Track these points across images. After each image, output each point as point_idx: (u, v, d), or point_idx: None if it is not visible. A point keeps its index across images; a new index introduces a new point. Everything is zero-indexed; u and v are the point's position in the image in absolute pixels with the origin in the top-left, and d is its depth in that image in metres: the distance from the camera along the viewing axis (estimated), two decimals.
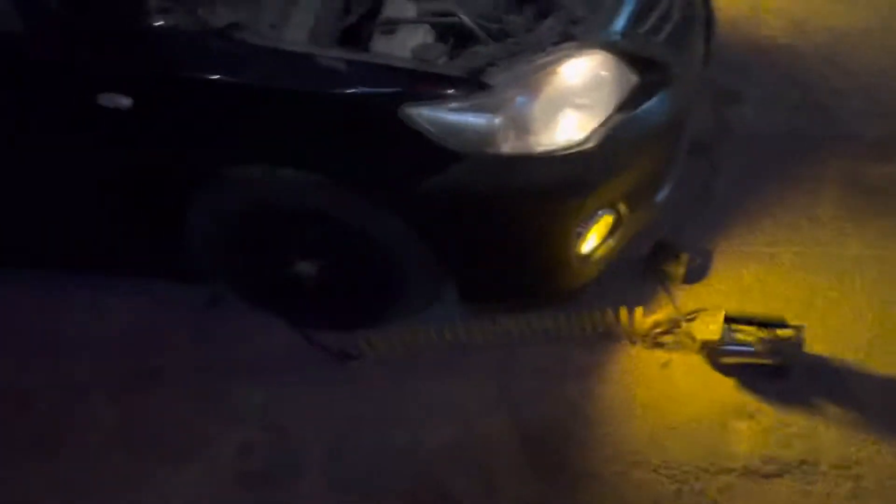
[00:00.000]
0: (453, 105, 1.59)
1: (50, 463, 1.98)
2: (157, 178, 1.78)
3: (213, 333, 2.16)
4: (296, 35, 1.64)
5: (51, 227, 2.01)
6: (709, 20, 2.12)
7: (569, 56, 1.65)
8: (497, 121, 1.61)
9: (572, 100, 1.69)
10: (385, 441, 1.94)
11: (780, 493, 1.77)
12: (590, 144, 1.68)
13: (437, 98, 1.58)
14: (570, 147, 1.68)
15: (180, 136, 1.70)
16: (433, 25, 1.70)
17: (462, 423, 1.95)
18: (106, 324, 2.20)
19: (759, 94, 2.50)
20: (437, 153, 1.62)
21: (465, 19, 1.66)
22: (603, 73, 1.71)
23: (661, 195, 1.97)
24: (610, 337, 2.03)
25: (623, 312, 2.01)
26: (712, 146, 2.37)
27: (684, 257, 2.11)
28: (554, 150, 1.67)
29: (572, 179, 1.72)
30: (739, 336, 1.89)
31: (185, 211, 1.83)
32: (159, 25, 1.59)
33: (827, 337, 1.96)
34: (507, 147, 1.63)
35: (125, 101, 1.63)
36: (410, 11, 1.70)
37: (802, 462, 1.80)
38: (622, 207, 1.85)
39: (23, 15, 1.58)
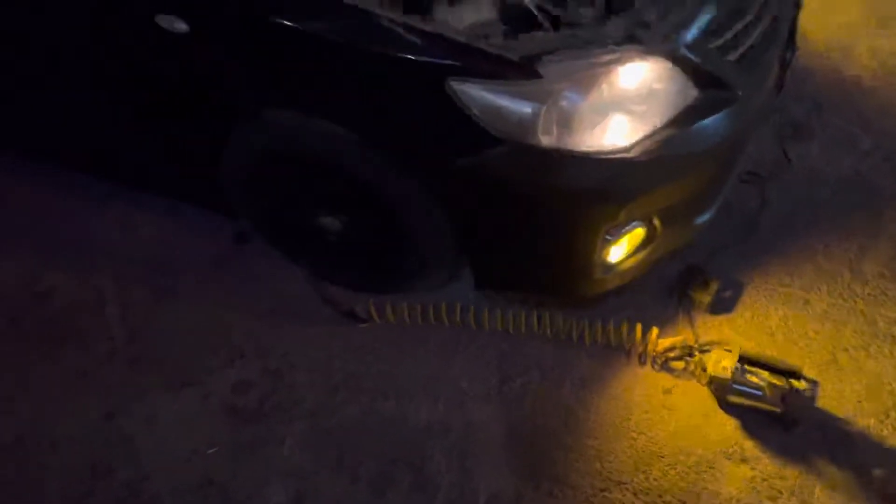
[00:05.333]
0: (500, 87, 1.55)
1: (52, 358, 2.04)
2: (201, 106, 1.79)
3: (232, 267, 2.19)
4: None
5: (97, 132, 2.05)
6: (789, 47, 2.02)
7: (629, 59, 1.59)
8: (542, 111, 1.56)
9: (624, 104, 1.64)
10: (374, 406, 1.94)
11: None
12: (634, 153, 1.63)
13: (485, 77, 1.55)
14: (613, 152, 1.62)
15: (227, 69, 1.70)
16: (497, 3, 1.65)
17: (453, 404, 1.94)
18: (132, 237, 2.25)
19: (828, 134, 2.39)
20: (476, 133, 1.59)
21: (529, 2, 1.61)
22: (661, 82, 1.64)
23: (703, 219, 1.90)
24: (619, 351, 1.98)
25: (638, 329, 1.96)
26: (767, 178, 2.28)
27: (713, 286, 2.04)
28: (595, 152, 1.62)
29: (609, 185, 1.67)
30: (751, 378, 1.83)
31: (222, 142, 1.84)
32: None
33: (842, 397, 1.88)
34: (548, 140, 1.59)
35: (182, 26, 1.63)
36: None
37: None
38: (657, 223, 1.79)
39: None
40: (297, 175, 1.87)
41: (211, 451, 1.89)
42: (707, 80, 1.69)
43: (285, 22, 1.58)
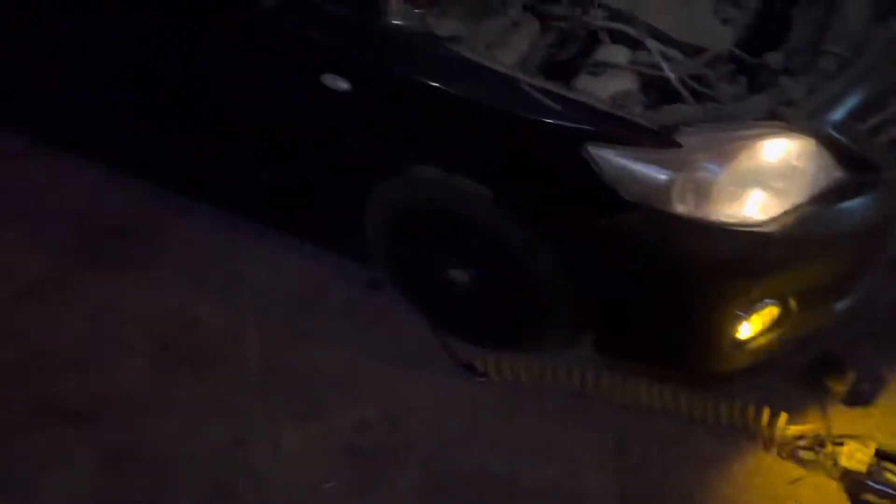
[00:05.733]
0: (638, 154, 1.59)
1: (194, 382, 2.20)
2: (351, 159, 1.93)
3: (364, 312, 2.29)
4: (507, 57, 1.72)
5: (253, 180, 2.25)
6: None
7: (771, 134, 1.60)
8: (679, 179, 1.59)
9: (764, 179, 1.63)
10: (485, 463, 1.96)
11: None
12: (771, 228, 1.61)
13: (623, 144, 1.59)
14: (750, 225, 1.61)
15: (380, 125, 1.83)
16: (640, 75, 1.71)
17: (566, 470, 1.92)
18: (275, 276, 2.41)
19: None
20: (610, 197, 1.63)
21: (672, 76, 1.66)
22: (804, 160, 1.63)
23: (843, 304, 1.83)
24: (744, 434, 1.91)
25: (766, 413, 1.88)
26: None
27: (851, 376, 1.94)
28: (731, 224, 1.62)
29: (744, 259, 1.65)
30: (889, 476, 1.71)
31: (366, 195, 1.97)
32: (393, 23, 1.74)
33: None
34: (683, 208, 1.61)
35: (344, 85, 1.79)
36: (621, 57, 1.73)
37: None
38: (792, 303, 1.75)
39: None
40: (433, 228, 1.96)
41: (327, 486, 1.96)
42: (853, 161, 1.66)
43: (437, 84, 1.71)
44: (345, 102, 1.81)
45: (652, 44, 1.72)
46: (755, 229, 1.61)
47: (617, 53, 1.74)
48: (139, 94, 2.25)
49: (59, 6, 2.20)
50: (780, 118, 1.61)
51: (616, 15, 1.78)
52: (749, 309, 1.73)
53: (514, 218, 1.77)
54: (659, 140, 1.58)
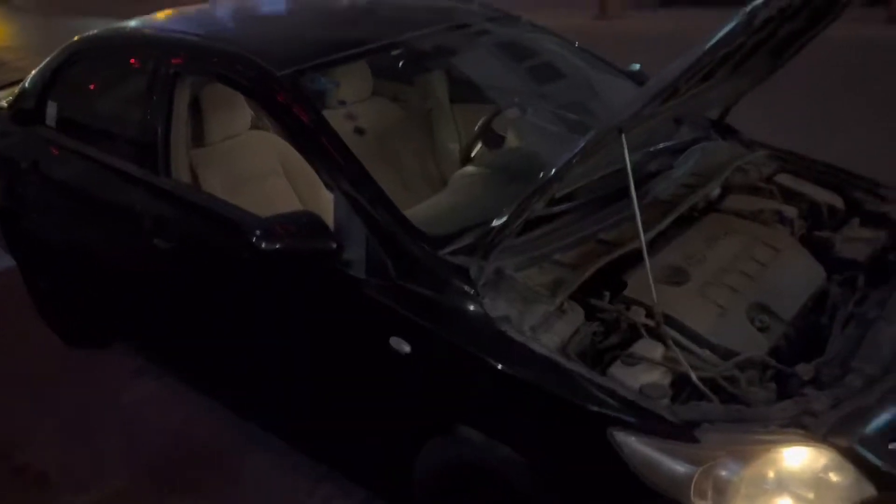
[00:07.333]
0: (659, 444, 1.68)
1: None
2: (407, 416, 2.11)
3: None
4: (550, 340, 1.89)
5: (319, 425, 2.46)
6: None
7: (790, 442, 1.65)
8: (697, 474, 1.65)
9: (791, 486, 1.66)
10: None
11: None
12: None
13: (645, 433, 1.69)
14: None
15: (435, 386, 2.02)
16: (671, 370, 1.84)
17: None
18: None
19: None
20: (635, 484, 1.69)
21: (693, 374, 1.78)
22: (831, 472, 1.66)
23: None
24: None
25: None
26: None
27: None
28: None
29: None
30: None
31: (417, 449, 2.10)
32: (455, 301, 1.99)
33: None
34: (702, 503, 1.65)
35: (406, 348, 2.03)
36: (656, 352, 1.88)
37: None
38: None
39: (366, 269, 2.08)
40: (475, 486, 2.04)
41: None
42: (885, 480, 1.67)
43: (486, 358, 1.89)
44: (404, 362, 2.02)
45: (682, 342, 1.88)
46: None
47: (652, 348, 1.89)
48: (237, 343, 2.59)
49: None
50: (801, 427, 1.68)
51: (654, 314, 1.96)
52: None
53: (545, 488, 1.84)
54: (679, 433, 1.67)
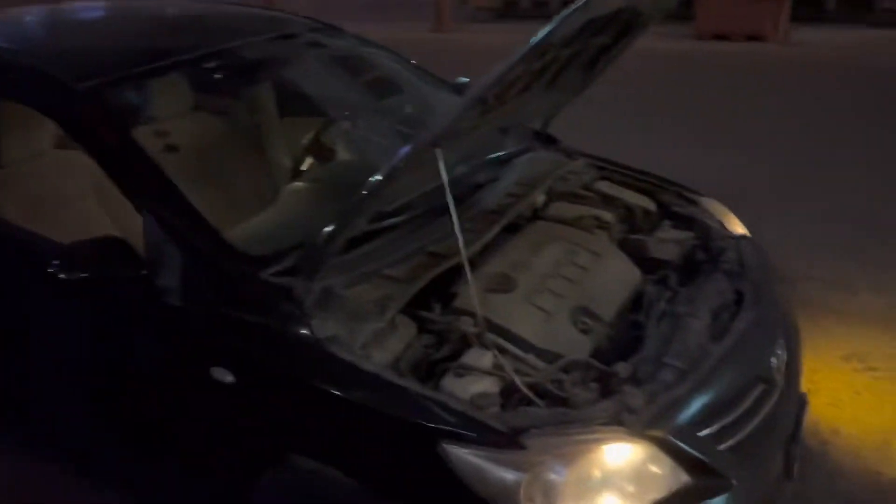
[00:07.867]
0: (487, 454, 1.69)
1: None
2: (237, 452, 1.99)
3: None
4: (381, 357, 1.87)
5: (145, 466, 2.28)
6: (794, 437, 2.09)
7: (610, 439, 1.72)
8: (525, 480, 1.67)
9: (614, 482, 1.72)
10: None
11: None
12: None
13: (474, 444, 1.70)
14: None
15: (261, 418, 1.92)
16: (501, 379, 1.87)
17: None
18: None
19: None
20: (464, 495, 1.69)
21: (518, 380, 1.82)
22: (649, 464, 1.74)
23: None
24: None
25: None
26: None
27: None
28: None
29: None
30: None
31: (253, 484, 1.98)
32: (280, 325, 1.90)
33: None
34: None
35: (229, 378, 1.91)
36: (485, 362, 1.89)
37: None
38: None
39: (182, 296, 1.95)
40: None
41: None
42: (696, 466, 1.77)
43: (312, 381, 1.83)
44: (229, 394, 1.91)
45: (509, 349, 1.91)
46: None
47: (482, 357, 1.90)
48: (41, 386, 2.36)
49: None
50: (620, 424, 1.75)
51: (482, 323, 1.98)
52: None
53: None
54: (507, 441, 1.69)
